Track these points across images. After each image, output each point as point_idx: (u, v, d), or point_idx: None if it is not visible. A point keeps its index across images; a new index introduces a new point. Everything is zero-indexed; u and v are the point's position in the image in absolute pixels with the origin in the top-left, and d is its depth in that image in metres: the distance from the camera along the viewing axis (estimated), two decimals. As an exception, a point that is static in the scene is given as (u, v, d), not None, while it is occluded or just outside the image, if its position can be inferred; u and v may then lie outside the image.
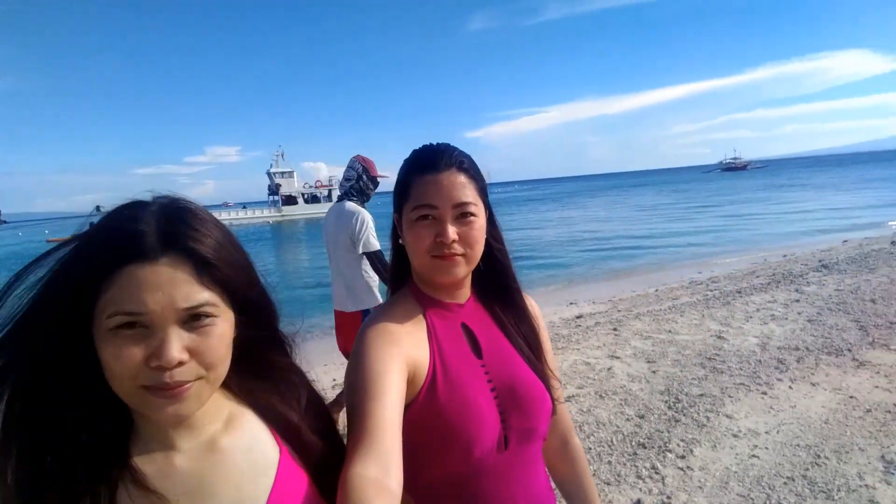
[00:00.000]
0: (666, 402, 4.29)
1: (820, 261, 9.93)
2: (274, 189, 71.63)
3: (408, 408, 1.00)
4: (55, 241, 0.79)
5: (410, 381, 1.00)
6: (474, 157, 1.11)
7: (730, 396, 4.31)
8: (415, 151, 1.12)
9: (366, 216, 3.72)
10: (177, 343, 0.69)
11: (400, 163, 1.13)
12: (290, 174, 72.81)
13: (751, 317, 6.51)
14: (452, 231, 1.03)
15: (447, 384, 1.03)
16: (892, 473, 3.13)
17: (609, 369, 5.11)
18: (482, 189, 1.10)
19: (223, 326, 0.75)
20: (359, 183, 3.87)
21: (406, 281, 1.18)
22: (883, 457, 3.30)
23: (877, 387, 4.25)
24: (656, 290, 9.38)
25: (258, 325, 0.84)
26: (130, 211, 0.73)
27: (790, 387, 4.41)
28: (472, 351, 1.10)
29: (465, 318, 1.14)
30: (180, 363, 0.70)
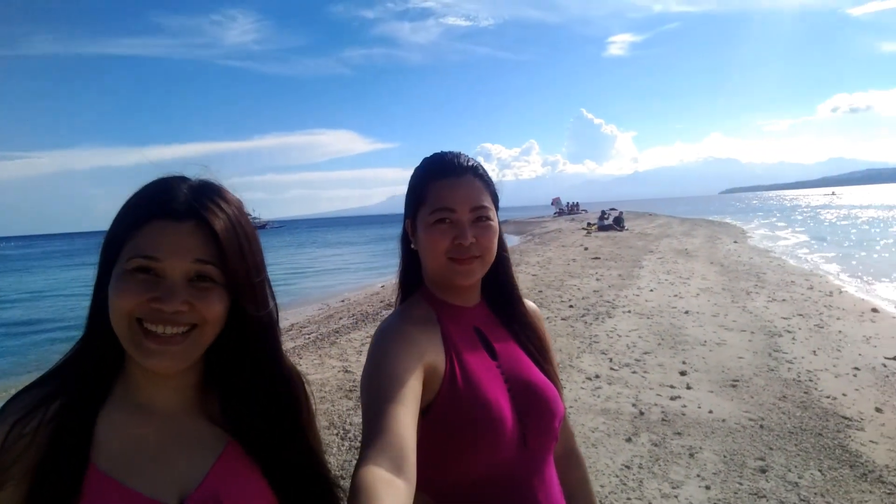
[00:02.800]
0: (338, 434, 4.64)
1: (381, 300, 12.07)
2: None
3: (427, 409, 1.01)
4: None
5: (428, 383, 1.00)
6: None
7: (383, 418, 4.97)
8: (428, 159, 1.16)
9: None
10: (182, 292, 0.78)
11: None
12: None
13: (360, 350, 7.49)
14: (471, 234, 1.07)
15: (466, 383, 1.04)
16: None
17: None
18: (494, 195, 1.15)
19: (220, 295, 0.82)
20: None
21: (416, 286, 1.20)
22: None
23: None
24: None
25: (251, 319, 0.87)
26: (172, 179, 0.84)
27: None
28: (487, 353, 1.12)
29: (476, 321, 1.16)
30: (179, 312, 0.78)
